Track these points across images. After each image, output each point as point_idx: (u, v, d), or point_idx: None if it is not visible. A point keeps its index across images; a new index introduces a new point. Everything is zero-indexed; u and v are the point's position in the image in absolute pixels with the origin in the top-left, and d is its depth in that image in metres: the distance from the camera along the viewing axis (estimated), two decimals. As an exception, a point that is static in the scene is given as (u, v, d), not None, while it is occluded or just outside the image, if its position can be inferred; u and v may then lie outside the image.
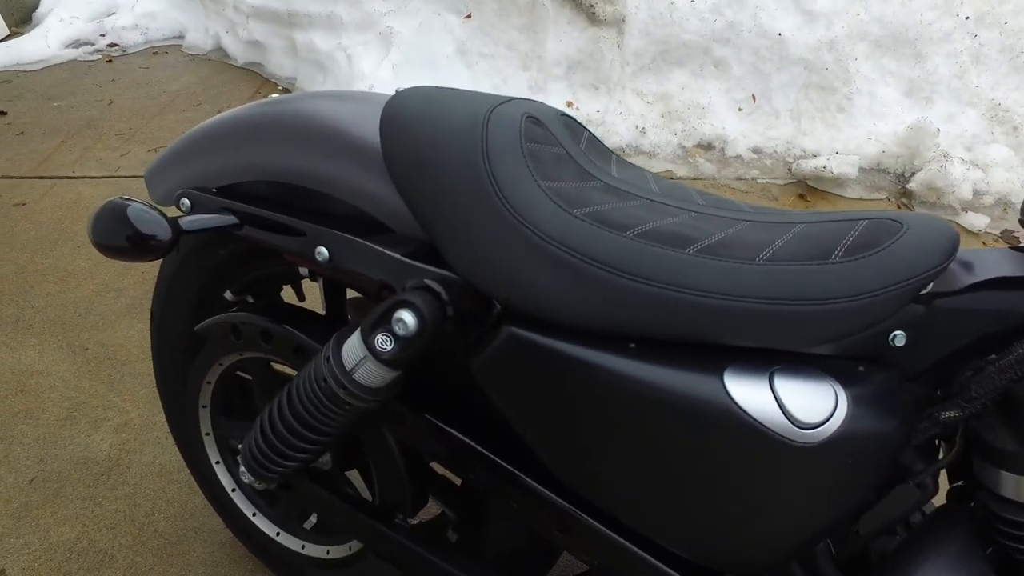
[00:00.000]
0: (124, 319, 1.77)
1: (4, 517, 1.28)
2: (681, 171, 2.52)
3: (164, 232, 0.70)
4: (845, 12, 2.59)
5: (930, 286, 0.56)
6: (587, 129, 0.79)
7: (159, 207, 0.73)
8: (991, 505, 0.56)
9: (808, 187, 2.44)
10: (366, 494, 1.01)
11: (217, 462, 1.02)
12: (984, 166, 2.44)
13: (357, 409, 0.66)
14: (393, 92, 0.74)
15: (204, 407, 0.98)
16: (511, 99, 0.72)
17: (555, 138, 0.69)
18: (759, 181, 2.48)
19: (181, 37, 3.51)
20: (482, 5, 2.74)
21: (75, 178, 2.42)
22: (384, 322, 0.60)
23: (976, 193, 2.36)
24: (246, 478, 0.81)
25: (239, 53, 3.25)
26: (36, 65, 3.21)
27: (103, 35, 3.46)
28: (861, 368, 0.58)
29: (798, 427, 0.53)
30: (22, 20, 3.65)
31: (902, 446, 0.57)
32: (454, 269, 0.61)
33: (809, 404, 0.54)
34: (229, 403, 1.01)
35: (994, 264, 0.57)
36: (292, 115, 0.76)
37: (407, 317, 0.59)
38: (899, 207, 2.38)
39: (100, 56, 3.36)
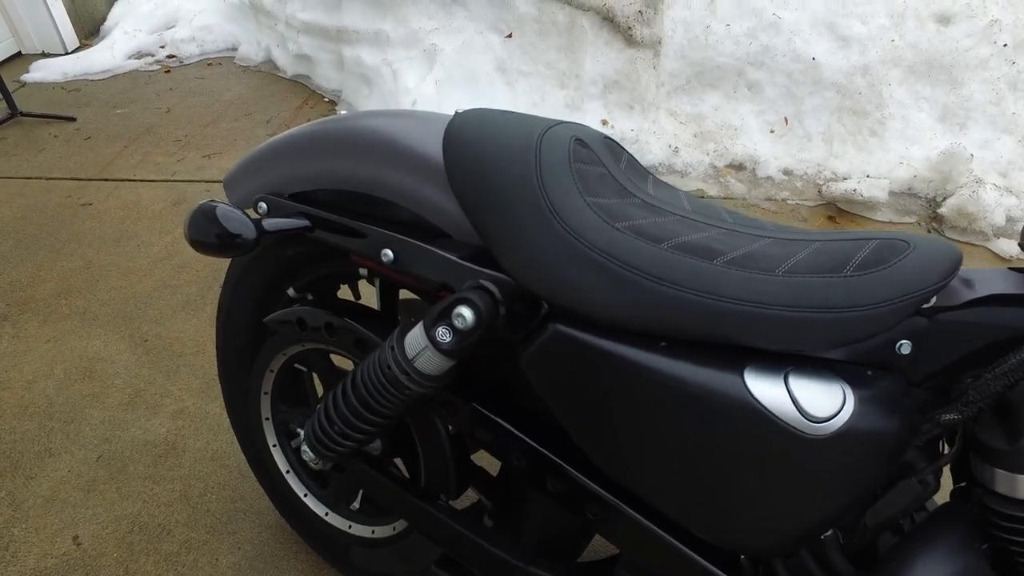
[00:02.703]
0: (180, 314, 1.90)
1: (76, 489, 1.40)
2: (712, 190, 2.59)
3: (249, 231, 0.79)
4: (879, 38, 2.64)
5: (933, 300, 0.63)
6: (627, 151, 0.87)
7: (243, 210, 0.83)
8: (987, 501, 0.62)
9: (838, 209, 2.48)
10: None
11: (274, 445, 1.12)
12: (1019, 192, 2.46)
13: (415, 394, 0.75)
14: (453, 112, 0.83)
15: (266, 394, 1.08)
16: (561, 122, 0.80)
17: (599, 159, 0.77)
18: (789, 202, 2.53)
19: (234, 49, 3.69)
20: (523, 25, 2.85)
21: (136, 181, 2.58)
22: (445, 316, 0.69)
23: (1009, 219, 2.37)
24: (307, 456, 0.90)
25: (288, 66, 3.41)
26: (103, 75, 3.41)
27: (163, 47, 3.66)
28: (869, 372, 0.64)
29: (809, 420, 0.60)
30: (91, 33, 3.88)
31: (905, 445, 0.64)
32: (508, 272, 0.69)
33: (819, 401, 0.61)
34: (286, 392, 1.10)
35: (992, 282, 0.63)
36: (364, 131, 0.85)
37: (466, 312, 0.67)
38: (929, 231, 2.41)
39: (159, 67, 3.55)
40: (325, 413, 0.84)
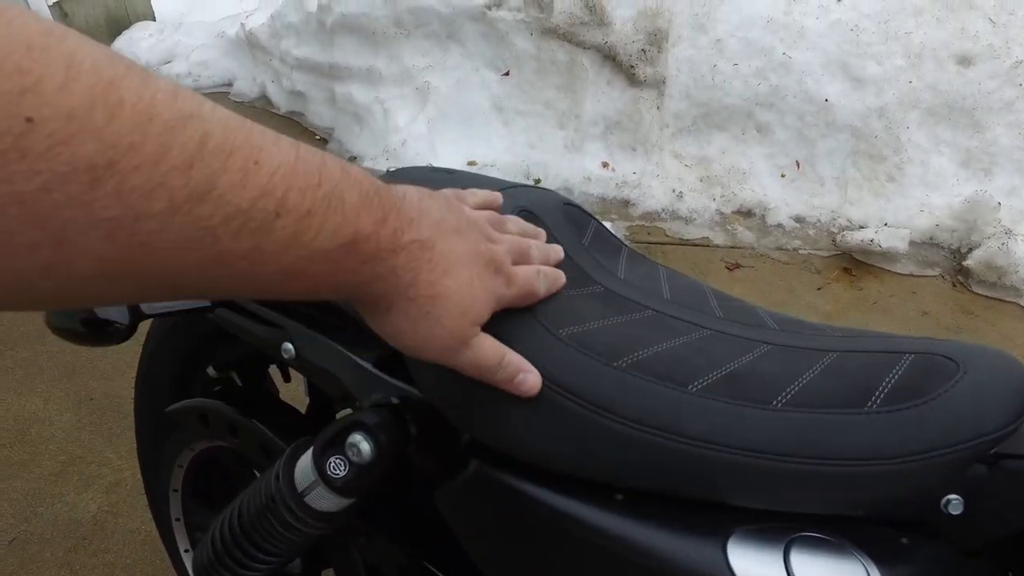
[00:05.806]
0: (133, 369, 1.74)
1: (-23, 583, 1.23)
2: (719, 238, 2.42)
3: (122, 316, 0.64)
4: (896, 79, 2.49)
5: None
6: (594, 218, 0.71)
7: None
8: None
9: (854, 260, 2.31)
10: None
11: (186, 550, 0.95)
12: (1050, 245, 2.27)
13: (308, 535, 0.58)
14: (385, 171, 0.68)
15: (175, 491, 0.92)
16: (508, 187, 0.65)
17: (551, 235, 0.61)
18: (801, 252, 2.36)
19: (230, 85, 3.61)
20: (521, 63, 2.73)
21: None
22: (337, 444, 0.52)
23: (1041, 274, 2.18)
24: (198, 587, 0.73)
25: (282, 102, 3.33)
26: (90, 109, 3.33)
27: (157, 81, 3.59)
28: (904, 540, 0.47)
29: (819, 623, 0.43)
30: (84, 65, 3.83)
31: (957, 645, 0.46)
32: (420, 388, 0.53)
33: (835, 590, 0.43)
34: (204, 488, 0.94)
35: (1077, 424, 0.46)
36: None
37: (361, 443, 0.51)
38: (954, 285, 2.22)
39: (152, 101, 3.48)
40: (211, 542, 0.67)
